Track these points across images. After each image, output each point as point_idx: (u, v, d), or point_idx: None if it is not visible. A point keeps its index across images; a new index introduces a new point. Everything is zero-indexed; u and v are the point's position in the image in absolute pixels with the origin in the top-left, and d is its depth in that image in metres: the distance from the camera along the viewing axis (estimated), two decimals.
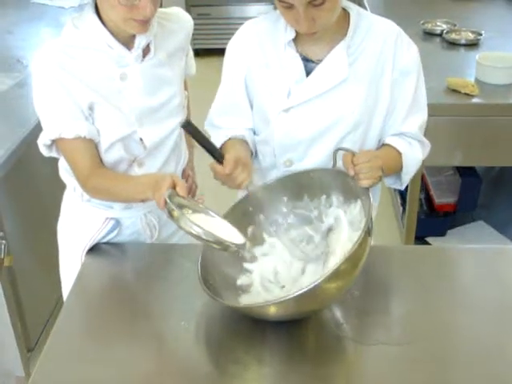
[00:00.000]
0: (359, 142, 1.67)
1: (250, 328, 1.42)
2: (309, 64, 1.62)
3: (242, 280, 1.51)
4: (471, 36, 3.20)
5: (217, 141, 1.69)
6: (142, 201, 1.60)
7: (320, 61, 1.61)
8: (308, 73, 1.62)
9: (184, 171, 1.92)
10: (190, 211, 1.44)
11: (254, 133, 1.75)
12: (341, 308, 1.49)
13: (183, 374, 1.36)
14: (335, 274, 1.28)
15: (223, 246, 1.38)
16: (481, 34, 3.18)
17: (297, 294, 1.26)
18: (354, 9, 1.62)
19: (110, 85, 1.61)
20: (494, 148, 2.68)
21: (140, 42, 1.61)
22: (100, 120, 1.61)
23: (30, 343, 2.49)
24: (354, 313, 1.48)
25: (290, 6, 1.48)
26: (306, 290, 1.26)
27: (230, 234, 1.43)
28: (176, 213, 1.37)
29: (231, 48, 1.71)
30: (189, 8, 5.70)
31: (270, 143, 1.70)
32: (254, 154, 1.74)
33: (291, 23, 1.56)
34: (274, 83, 1.64)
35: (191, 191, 2.00)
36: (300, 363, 1.36)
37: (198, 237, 1.36)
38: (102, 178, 1.63)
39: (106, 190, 1.65)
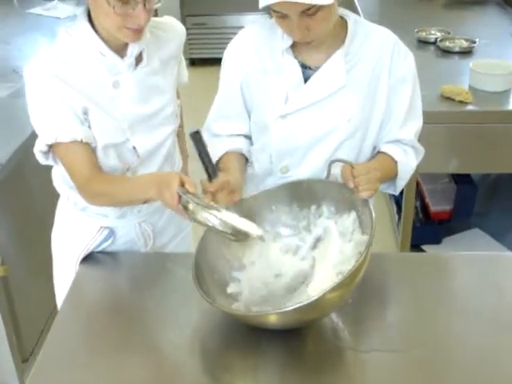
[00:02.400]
0: (356, 148, 1.67)
1: (245, 336, 1.41)
2: (306, 71, 1.63)
3: (231, 288, 1.50)
4: (465, 44, 3.21)
5: (215, 152, 1.68)
6: (145, 202, 1.59)
7: (318, 68, 1.62)
8: (306, 79, 1.62)
9: None
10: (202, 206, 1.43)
11: (251, 140, 1.76)
12: (337, 315, 1.48)
13: (178, 382, 1.36)
14: (338, 286, 1.28)
15: (240, 236, 1.38)
16: (475, 42, 3.19)
17: (299, 305, 1.26)
18: (351, 17, 1.63)
19: (103, 92, 1.61)
20: (488, 155, 2.68)
21: (133, 50, 1.61)
22: (94, 126, 1.61)
23: (24, 354, 2.47)
24: (349, 320, 1.48)
25: (284, 16, 1.49)
26: (310, 301, 1.26)
27: (247, 226, 1.44)
28: (191, 205, 1.37)
29: (228, 54, 1.71)
30: (184, 18, 5.71)
31: (266, 150, 1.70)
32: (248, 161, 1.75)
33: (286, 32, 1.57)
34: (272, 89, 1.64)
35: None
36: (296, 371, 1.36)
37: (213, 228, 1.37)
38: (102, 181, 1.61)
39: (107, 193, 1.62)
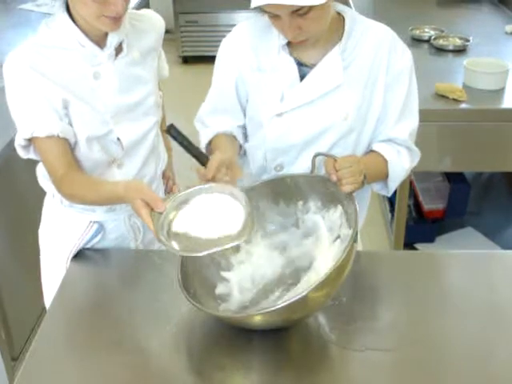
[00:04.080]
0: (351, 147, 1.65)
1: (235, 334, 1.40)
2: (302, 68, 1.60)
3: (219, 289, 1.49)
4: (459, 42, 3.21)
5: (204, 137, 1.67)
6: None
7: (314, 65, 1.59)
8: (302, 77, 1.60)
9: (164, 173, 1.94)
10: (174, 212, 1.39)
11: (246, 137, 1.74)
12: (329, 314, 1.47)
13: (168, 380, 1.34)
14: (321, 284, 1.25)
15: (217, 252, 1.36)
16: (468, 40, 3.19)
17: (283, 304, 1.24)
18: (348, 13, 1.60)
19: (84, 84, 1.61)
20: (482, 153, 2.68)
21: (112, 40, 1.62)
22: (76, 119, 1.60)
23: (14, 352, 2.46)
24: (342, 319, 1.46)
25: (276, 15, 1.46)
26: (292, 300, 1.24)
27: (227, 219, 1.37)
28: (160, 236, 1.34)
29: (223, 50, 1.69)
30: (177, 15, 5.70)
31: (261, 147, 1.68)
32: (242, 148, 1.72)
33: (279, 31, 1.54)
34: (267, 87, 1.62)
35: (172, 192, 2.00)
36: (288, 369, 1.35)
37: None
38: (73, 182, 1.61)
39: (78, 194, 1.63)
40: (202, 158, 1.45)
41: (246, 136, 1.75)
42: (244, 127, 1.73)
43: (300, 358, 1.39)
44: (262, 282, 1.50)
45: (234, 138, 1.69)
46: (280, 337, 1.40)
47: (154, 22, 1.80)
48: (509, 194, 3.53)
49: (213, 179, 1.43)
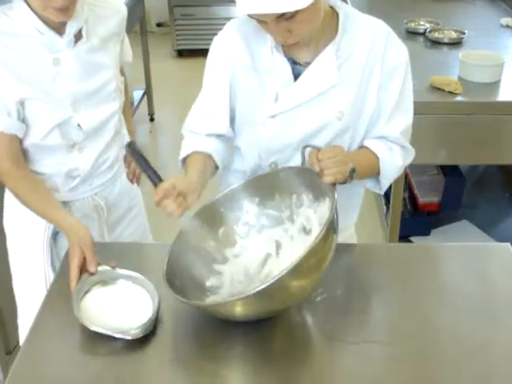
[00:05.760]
0: (346, 145, 1.62)
1: (227, 325, 1.39)
2: (296, 67, 1.57)
3: (211, 281, 1.48)
4: (454, 35, 3.21)
5: (183, 149, 1.63)
6: None
7: (307, 63, 1.56)
8: (296, 76, 1.57)
9: (125, 156, 1.96)
10: (99, 285, 1.51)
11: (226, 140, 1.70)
12: (323, 306, 1.47)
13: (160, 372, 1.34)
14: (296, 270, 1.23)
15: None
16: (464, 33, 3.19)
17: (257, 289, 1.22)
18: (342, 8, 1.56)
19: (43, 71, 1.63)
20: (477, 146, 2.67)
21: (71, 27, 1.63)
22: (34, 112, 1.63)
23: (9, 346, 2.46)
24: (336, 311, 1.46)
25: (263, 21, 1.44)
26: (264, 286, 1.22)
27: (132, 312, 1.44)
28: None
29: (216, 48, 1.63)
30: (172, 8, 5.66)
31: (255, 147, 1.66)
32: (219, 169, 1.65)
33: (270, 35, 1.51)
34: (261, 87, 1.59)
35: (135, 175, 2.03)
36: (280, 362, 1.34)
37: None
38: (21, 183, 1.67)
39: (19, 197, 1.68)
40: (154, 180, 1.41)
41: (224, 154, 1.67)
42: (224, 137, 1.66)
43: (293, 350, 1.38)
44: (256, 276, 1.50)
45: (211, 159, 1.61)
46: (274, 329, 1.40)
47: (115, 8, 1.81)
48: (504, 186, 3.54)
49: (158, 205, 1.40)
